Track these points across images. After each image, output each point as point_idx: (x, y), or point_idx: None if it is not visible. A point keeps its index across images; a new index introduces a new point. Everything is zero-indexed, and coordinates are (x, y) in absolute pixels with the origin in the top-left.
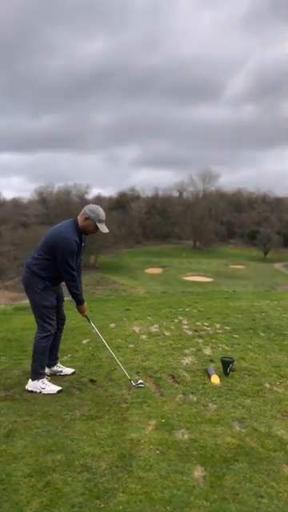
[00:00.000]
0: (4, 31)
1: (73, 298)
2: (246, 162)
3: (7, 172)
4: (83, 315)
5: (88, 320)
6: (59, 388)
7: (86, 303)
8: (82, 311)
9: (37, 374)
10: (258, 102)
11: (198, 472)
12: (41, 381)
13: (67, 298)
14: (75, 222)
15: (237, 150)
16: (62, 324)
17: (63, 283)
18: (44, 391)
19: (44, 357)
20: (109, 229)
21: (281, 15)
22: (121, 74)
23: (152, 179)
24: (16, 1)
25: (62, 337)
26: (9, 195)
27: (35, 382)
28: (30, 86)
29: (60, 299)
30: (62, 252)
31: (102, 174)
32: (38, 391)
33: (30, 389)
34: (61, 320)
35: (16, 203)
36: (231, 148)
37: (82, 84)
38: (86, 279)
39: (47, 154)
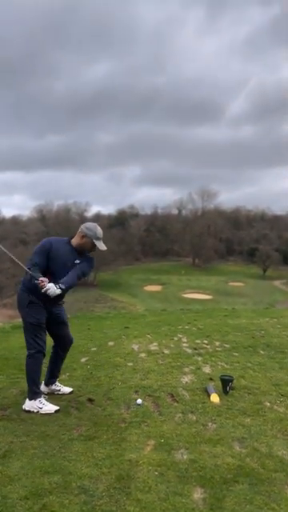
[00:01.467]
0: (11, 54)
1: None
2: (246, 180)
3: (10, 190)
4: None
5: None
6: (57, 408)
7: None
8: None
9: (33, 394)
10: (258, 122)
11: (198, 494)
12: (38, 400)
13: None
14: (68, 240)
15: (237, 168)
16: (69, 345)
17: (64, 306)
18: (41, 411)
19: (35, 374)
20: (108, 246)
21: (280, 39)
22: (124, 96)
23: (153, 197)
24: (23, 26)
25: None
26: (10, 213)
27: (32, 401)
28: (36, 106)
29: (63, 322)
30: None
31: (104, 193)
32: (35, 411)
33: (27, 408)
34: (67, 342)
35: (15, 221)
36: (231, 167)
37: (85, 105)
38: (85, 296)
39: (49, 173)
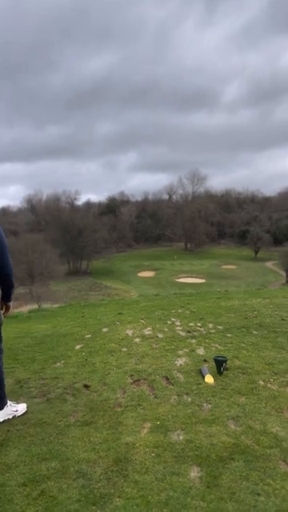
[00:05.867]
0: (12, 48)
1: None
2: (240, 163)
3: (7, 181)
4: None
5: None
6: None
7: None
8: None
9: (2, 399)
10: (253, 107)
11: (194, 473)
12: (8, 404)
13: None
14: None
15: (232, 152)
16: None
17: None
18: (18, 413)
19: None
20: (100, 234)
21: (276, 27)
22: (122, 86)
23: (150, 184)
24: (24, 22)
25: (55, 343)
26: (3, 204)
27: (5, 409)
28: (35, 99)
29: None
30: None
31: (102, 180)
32: (11, 417)
33: (1, 420)
34: None
35: (5, 212)
36: (226, 151)
37: (84, 95)
38: (79, 285)
39: (47, 163)
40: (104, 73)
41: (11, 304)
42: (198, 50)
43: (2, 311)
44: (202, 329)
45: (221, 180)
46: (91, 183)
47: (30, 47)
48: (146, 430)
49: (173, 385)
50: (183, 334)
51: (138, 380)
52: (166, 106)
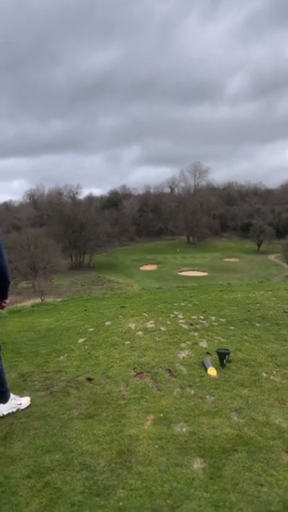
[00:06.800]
0: (16, 43)
1: None
2: (243, 156)
3: (11, 176)
4: None
5: None
6: (29, 398)
7: None
8: None
9: (3, 394)
10: (256, 100)
11: (198, 464)
12: (12, 397)
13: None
14: None
15: (234, 145)
16: None
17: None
18: (22, 407)
19: None
20: (102, 228)
21: (280, 18)
22: (125, 80)
23: (153, 177)
24: (28, 17)
25: (58, 337)
26: (6, 199)
27: (7, 403)
28: (39, 93)
29: None
30: None
31: (104, 174)
32: (15, 410)
33: (6, 413)
34: None
35: (7, 207)
36: (228, 144)
37: (87, 90)
38: (81, 279)
39: (51, 157)
40: (107, 67)
41: (7, 301)
42: (201, 44)
43: None
44: (204, 322)
45: (223, 173)
46: (94, 177)
47: (33, 42)
48: (149, 423)
49: (176, 377)
50: (186, 326)
51: (141, 373)
52: (169, 100)
